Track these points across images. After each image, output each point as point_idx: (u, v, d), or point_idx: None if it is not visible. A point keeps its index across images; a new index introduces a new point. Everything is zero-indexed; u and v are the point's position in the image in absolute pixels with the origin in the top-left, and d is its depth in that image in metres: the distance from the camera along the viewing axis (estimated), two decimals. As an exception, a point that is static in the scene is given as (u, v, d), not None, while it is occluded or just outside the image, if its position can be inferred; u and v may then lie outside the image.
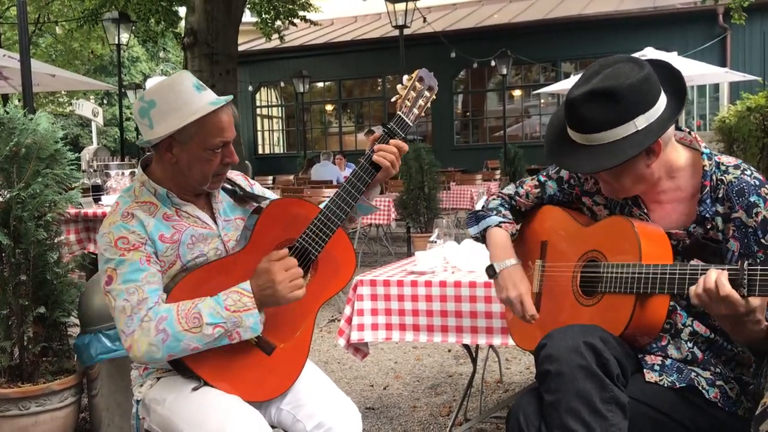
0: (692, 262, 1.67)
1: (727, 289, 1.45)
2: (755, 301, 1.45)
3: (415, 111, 1.98)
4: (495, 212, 2.05)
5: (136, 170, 1.91)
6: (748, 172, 1.68)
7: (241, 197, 1.99)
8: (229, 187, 1.97)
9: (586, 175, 1.86)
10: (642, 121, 1.63)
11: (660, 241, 1.69)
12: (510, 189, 2.10)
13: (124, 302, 1.69)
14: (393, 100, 1.99)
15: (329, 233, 1.85)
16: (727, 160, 1.72)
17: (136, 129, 1.98)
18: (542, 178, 2.02)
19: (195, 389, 1.75)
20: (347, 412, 1.87)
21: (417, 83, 1.99)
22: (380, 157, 1.90)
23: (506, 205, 2.07)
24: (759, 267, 1.42)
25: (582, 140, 1.69)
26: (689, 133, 1.78)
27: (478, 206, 2.96)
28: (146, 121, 1.79)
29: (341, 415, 1.85)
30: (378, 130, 2.02)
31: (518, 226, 2.05)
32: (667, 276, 1.58)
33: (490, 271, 1.97)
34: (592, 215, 1.92)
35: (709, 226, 1.68)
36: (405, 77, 2.03)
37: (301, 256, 1.83)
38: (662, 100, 1.66)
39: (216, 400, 1.73)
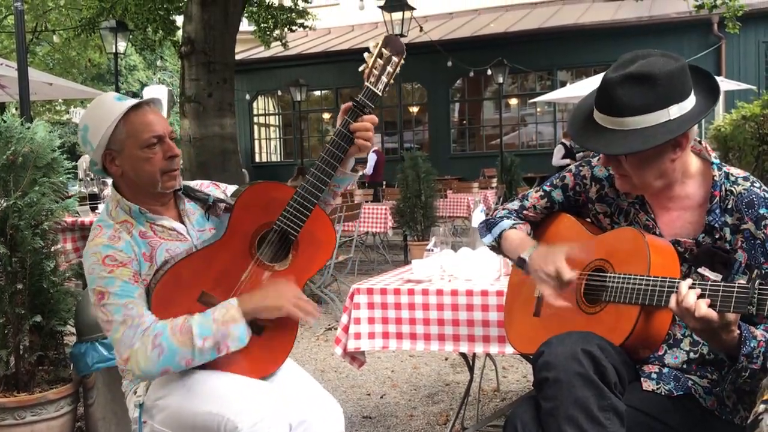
0: (699, 270, 1.68)
1: (690, 302, 1.48)
2: (730, 315, 1.48)
3: (384, 79, 1.93)
4: (505, 218, 2.04)
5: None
6: (758, 185, 1.69)
7: (213, 205, 2.00)
8: (201, 196, 1.99)
9: (610, 162, 1.77)
10: (675, 111, 1.63)
11: (669, 255, 1.69)
12: (514, 204, 2.08)
13: (125, 315, 1.73)
14: (360, 69, 1.95)
15: (307, 213, 1.87)
16: (737, 171, 1.73)
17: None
18: (547, 188, 2.01)
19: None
20: (328, 408, 1.90)
21: (383, 50, 1.93)
22: (361, 139, 1.91)
23: (513, 216, 2.06)
24: None
25: (612, 125, 1.69)
26: (699, 142, 1.78)
27: (475, 215, 2.97)
28: (88, 146, 1.86)
29: (323, 411, 1.87)
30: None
31: (529, 227, 2.04)
32: (675, 291, 1.57)
33: (520, 262, 1.89)
34: (597, 223, 1.92)
35: (717, 236, 1.69)
36: (371, 44, 1.97)
37: (281, 239, 1.87)
38: (693, 96, 1.68)
39: (223, 373, 1.79)
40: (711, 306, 1.48)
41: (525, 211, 2.05)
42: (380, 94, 1.93)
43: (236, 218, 1.88)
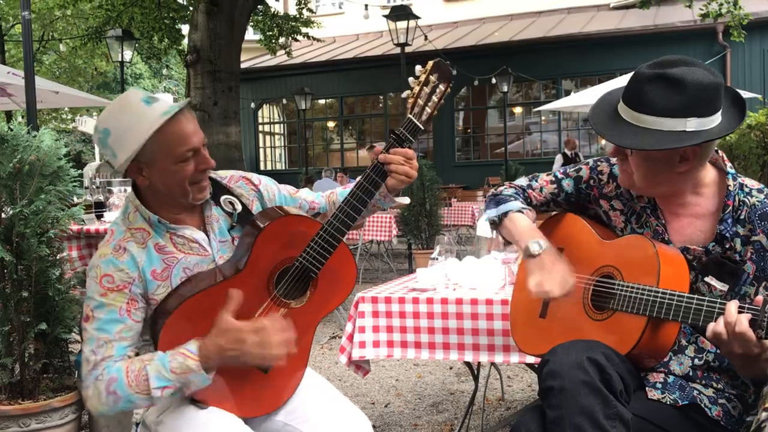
0: (707, 279, 1.67)
1: (744, 326, 1.45)
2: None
3: (428, 110, 1.79)
4: (513, 198, 1.98)
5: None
6: None
7: (239, 220, 1.86)
8: (228, 209, 1.85)
9: (617, 154, 1.76)
10: (693, 124, 1.62)
11: (679, 267, 1.68)
12: (522, 181, 2.04)
13: (91, 353, 1.66)
14: (404, 96, 1.80)
15: (331, 250, 1.77)
16: (751, 182, 1.73)
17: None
18: (559, 175, 1.98)
19: (199, 406, 1.73)
20: (355, 422, 1.83)
21: (431, 76, 1.79)
22: (395, 173, 1.79)
23: (520, 195, 2.01)
24: None
25: (630, 118, 1.69)
26: (716, 152, 1.77)
27: (480, 223, 2.97)
28: (109, 151, 1.70)
29: (349, 426, 1.81)
30: (379, 146, 1.90)
31: (535, 215, 2.00)
32: (683, 305, 1.57)
33: (535, 246, 1.80)
34: (607, 220, 1.91)
35: (727, 246, 1.68)
36: (418, 68, 1.81)
37: (300, 275, 1.79)
38: (718, 116, 1.66)
39: (216, 423, 1.70)
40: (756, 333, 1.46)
41: (530, 190, 2.00)
42: (422, 128, 1.78)
43: (257, 252, 1.75)
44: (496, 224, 1.97)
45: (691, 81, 1.61)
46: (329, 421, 1.81)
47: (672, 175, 1.69)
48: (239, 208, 1.86)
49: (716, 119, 1.65)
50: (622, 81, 1.80)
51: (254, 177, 1.96)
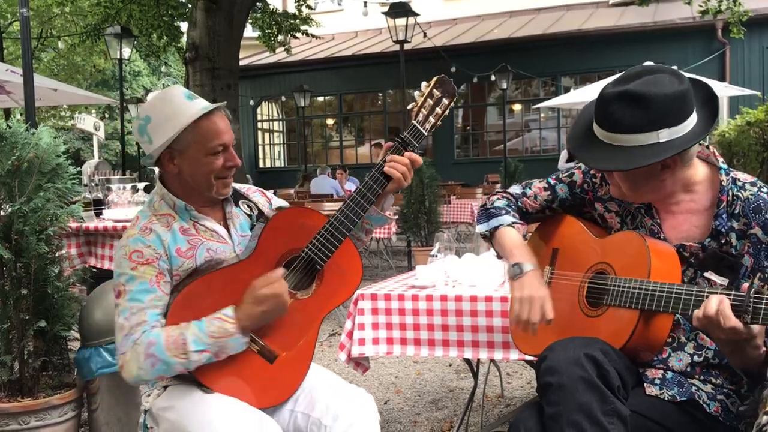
0: (706, 274, 1.68)
1: (732, 321, 1.45)
2: (756, 327, 1.46)
3: (432, 119, 1.94)
4: (505, 212, 1.99)
5: (139, 185, 1.93)
6: (765, 190, 1.69)
7: (257, 220, 1.99)
8: (246, 211, 1.99)
9: (599, 172, 1.84)
10: (665, 135, 1.62)
11: (670, 260, 1.69)
12: (516, 189, 2.05)
13: (124, 321, 1.74)
14: (409, 107, 1.94)
15: (336, 243, 1.85)
16: (744, 176, 1.73)
17: (137, 142, 2.04)
18: (552, 181, 1.99)
19: (204, 390, 1.77)
20: (361, 400, 1.88)
21: (435, 90, 1.94)
22: (391, 168, 1.89)
23: (513, 206, 2.02)
24: (765, 295, 1.43)
25: (604, 138, 1.70)
26: (707, 147, 1.78)
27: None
28: (145, 137, 1.85)
29: (355, 404, 1.86)
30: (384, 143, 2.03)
31: (526, 228, 2.03)
32: (673, 295, 1.58)
33: (517, 269, 1.85)
34: (602, 222, 1.92)
35: (723, 241, 1.69)
36: (423, 83, 1.97)
37: (306, 266, 1.85)
38: (692, 120, 1.66)
39: (225, 403, 1.75)
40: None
41: (525, 199, 2.02)
42: (426, 134, 1.93)
43: (264, 240, 1.84)
44: (488, 238, 2.02)
45: (656, 94, 1.61)
46: (336, 401, 1.85)
47: (657, 183, 1.70)
48: (256, 211, 2.01)
49: (689, 124, 1.65)
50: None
51: (268, 193, 2.14)
